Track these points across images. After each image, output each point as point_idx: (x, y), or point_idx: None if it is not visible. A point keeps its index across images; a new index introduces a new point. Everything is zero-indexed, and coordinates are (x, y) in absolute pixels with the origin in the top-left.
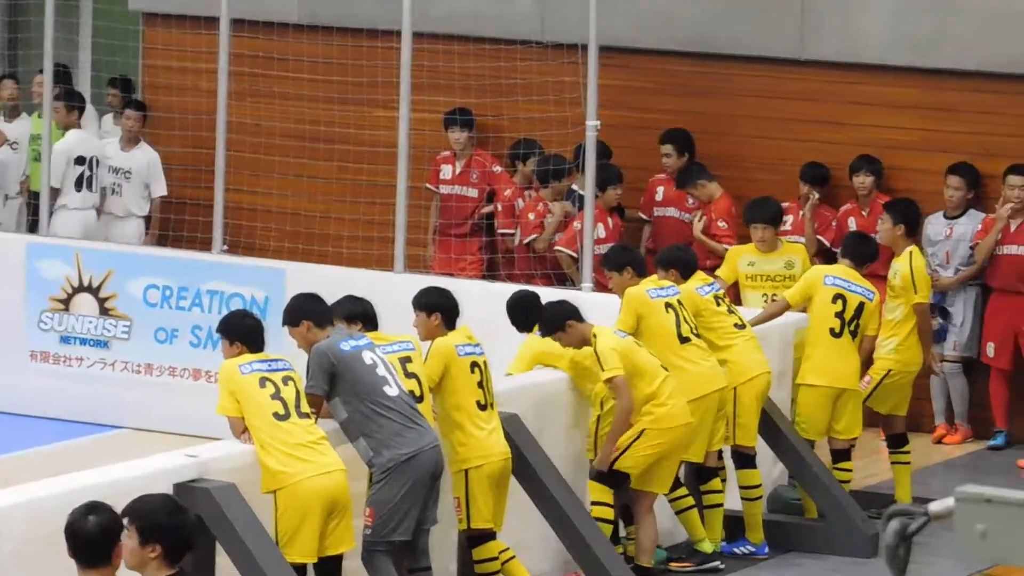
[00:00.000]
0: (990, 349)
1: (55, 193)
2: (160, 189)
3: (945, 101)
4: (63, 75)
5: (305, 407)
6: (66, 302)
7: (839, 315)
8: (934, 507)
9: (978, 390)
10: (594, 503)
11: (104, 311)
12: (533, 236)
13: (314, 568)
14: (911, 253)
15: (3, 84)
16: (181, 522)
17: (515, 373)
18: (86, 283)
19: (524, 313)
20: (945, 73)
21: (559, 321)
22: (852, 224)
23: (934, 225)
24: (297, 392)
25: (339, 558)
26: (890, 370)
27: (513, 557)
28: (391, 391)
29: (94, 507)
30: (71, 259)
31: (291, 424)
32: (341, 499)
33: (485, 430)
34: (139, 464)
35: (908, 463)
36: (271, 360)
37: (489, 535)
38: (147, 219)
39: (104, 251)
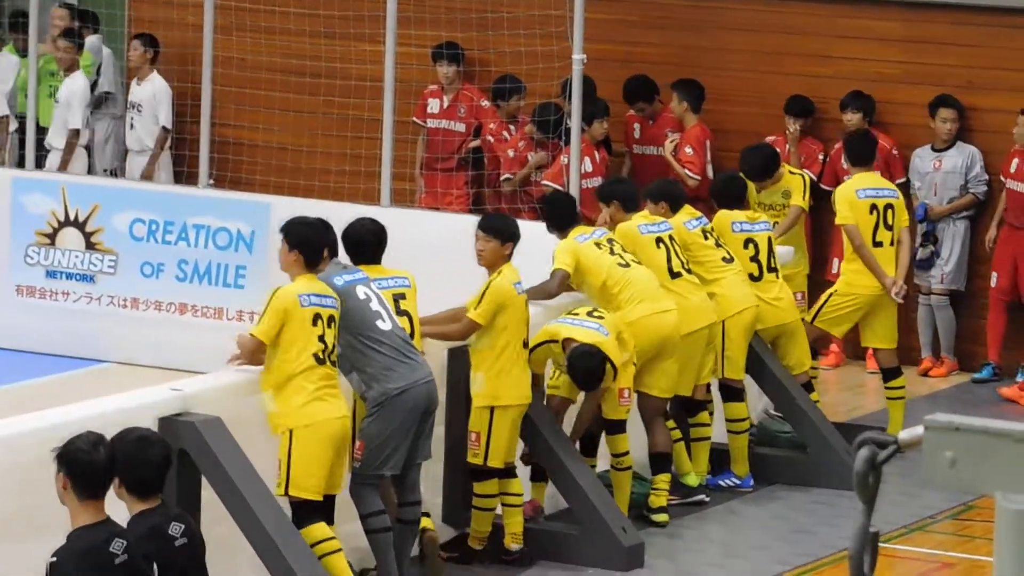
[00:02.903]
0: (993, 279)
1: (76, 134)
2: (164, 119)
3: (929, 34)
4: (80, 13)
5: (335, 354)
6: (52, 236)
7: (754, 259)
8: (903, 435)
9: (963, 323)
10: (620, 454)
11: (90, 245)
12: (506, 176)
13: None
14: (848, 180)
15: None
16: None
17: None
18: (72, 217)
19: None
20: (929, 6)
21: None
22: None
23: (921, 158)
24: (335, 335)
25: (332, 498)
26: (834, 291)
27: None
28: (384, 325)
29: (100, 440)
30: (57, 193)
31: (326, 369)
32: (346, 444)
33: (527, 372)
34: (124, 398)
35: (901, 398)
36: (322, 295)
37: (494, 472)
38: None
39: (90, 185)
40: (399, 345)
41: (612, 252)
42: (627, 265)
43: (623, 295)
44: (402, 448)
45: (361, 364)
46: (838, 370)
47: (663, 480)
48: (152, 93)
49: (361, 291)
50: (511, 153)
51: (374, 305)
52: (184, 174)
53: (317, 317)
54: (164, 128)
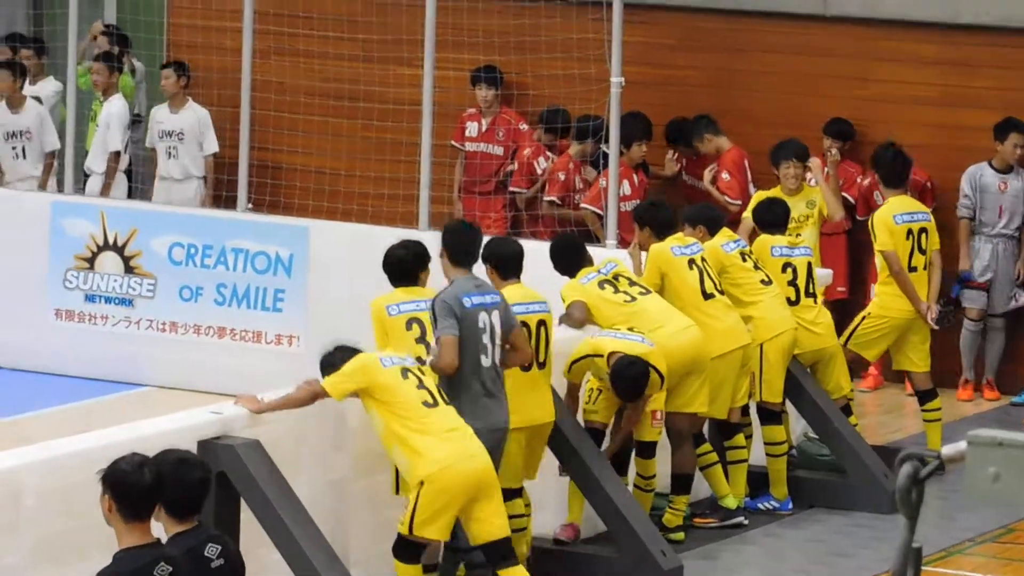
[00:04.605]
0: None
1: (116, 157)
2: (211, 146)
3: (966, 56)
4: (119, 37)
5: (443, 394)
6: (91, 260)
7: (792, 283)
8: (947, 450)
9: (1007, 345)
10: (648, 476)
11: (129, 269)
12: (552, 199)
13: (484, 555)
14: (884, 204)
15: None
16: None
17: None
18: (111, 241)
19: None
20: (966, 28)
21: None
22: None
23: (985, 177)
24: (435, 379)
25: (505, 541)
26: (867, 314)
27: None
28: (485, 360)
29: (145, 461)
30: (96, 217)
31: (442, 410)
32: (485, 485)
33: (539, 393)
34: (163, 421)
35: (938, 419)
36: (403, 357)
37: (517, 492)
38: (205, 178)
39: (129, 209)
40: (490, 381)
41: (616, 290)
42: (633, 299)
43: (638, 329)
44: None
45: (452, 392)
46: (877, 392)
47: (681, 501)
48: (195, 120)
49: (482, 319)
50: (562, 176)
51: (485, 338)
52: (223, 198)
53: (406, 372)
54: (215, 154)
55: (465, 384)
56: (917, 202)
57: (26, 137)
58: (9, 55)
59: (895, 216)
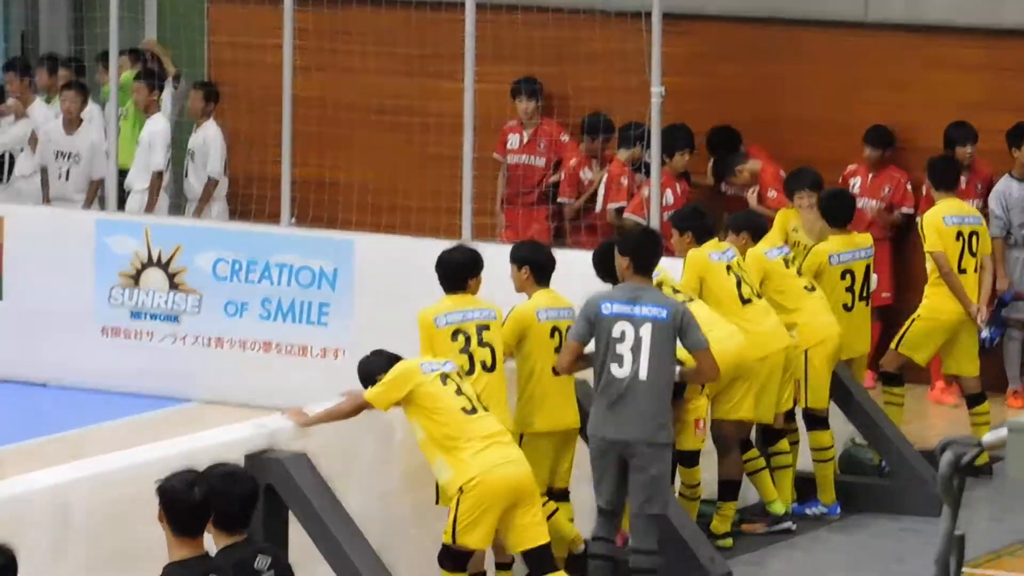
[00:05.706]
0: None
1: (160, 176)
2: (210, 168)
3: (1011, 60)
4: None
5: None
6: (136, 277)
7: (849, 289)
8: (987, 438)
9: None
10: (693, 485)
11: (174, 285)
12: (618, 205)
13: (524, 562)
14: (934, 206)
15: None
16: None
17: None
18: (155, 258)
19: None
20: (1010, 33)
21: None
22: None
23: (1012, 192)
24: (472, 385)
25: (545, 547)
26: (917, 316)
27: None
28: (618, 371)
29: (197, 479)
30: (140, 234)
31: (480, 417)
32: (526, 489)
33: (564, 398)
34: (210, 435)
35: (986, 423)
36: (443, 361)
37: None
38: (227, 196)
39: (173, 226)
40: (620, 391)
41: None
42: None
43: None
44: (606, 481)
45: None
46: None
47: (729, 507)
48: (203, 140)
49: (618, 329)
50: (624, 181)
51: (621, 348)
52: (266, 213)
53: (445, 377)
54: (210, 178)
55: (595, 391)
56: (968, 205)
57: (74, 160)
58: (46, 77)
59: (944, 218)
